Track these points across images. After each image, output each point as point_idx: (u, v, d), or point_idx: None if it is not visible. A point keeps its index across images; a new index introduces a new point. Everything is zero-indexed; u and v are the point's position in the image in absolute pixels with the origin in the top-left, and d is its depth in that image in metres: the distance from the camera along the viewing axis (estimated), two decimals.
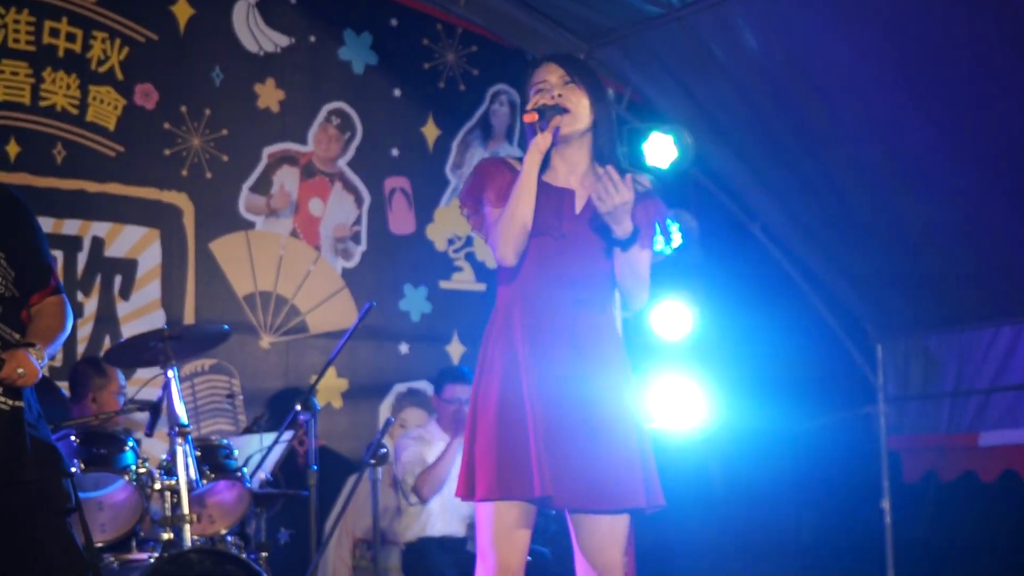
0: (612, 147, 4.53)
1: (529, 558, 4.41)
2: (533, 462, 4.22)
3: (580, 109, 4.44)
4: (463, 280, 9.28)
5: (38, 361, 4.52)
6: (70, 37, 7.98)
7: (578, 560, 4.44)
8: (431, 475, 7.78)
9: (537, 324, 4.37)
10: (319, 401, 7.32)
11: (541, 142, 4.36)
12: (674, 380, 9.22)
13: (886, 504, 9.41)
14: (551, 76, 4.48)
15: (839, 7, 7.92)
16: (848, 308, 9.57)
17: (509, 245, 4.34)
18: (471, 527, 7.84)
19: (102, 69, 8.08)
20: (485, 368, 4.41)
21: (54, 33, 7.95)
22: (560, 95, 4.43)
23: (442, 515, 7.85)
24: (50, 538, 4.51)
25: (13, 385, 4.45)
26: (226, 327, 7.02)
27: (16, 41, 7.84)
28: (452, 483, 7.64)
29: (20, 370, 4.43)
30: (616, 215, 4.29)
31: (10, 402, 4.52)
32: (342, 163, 8.92)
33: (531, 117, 4.37)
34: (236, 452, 6.89)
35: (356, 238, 8.91)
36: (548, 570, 7.85)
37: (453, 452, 7.70)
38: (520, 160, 4.44)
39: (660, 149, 9.29)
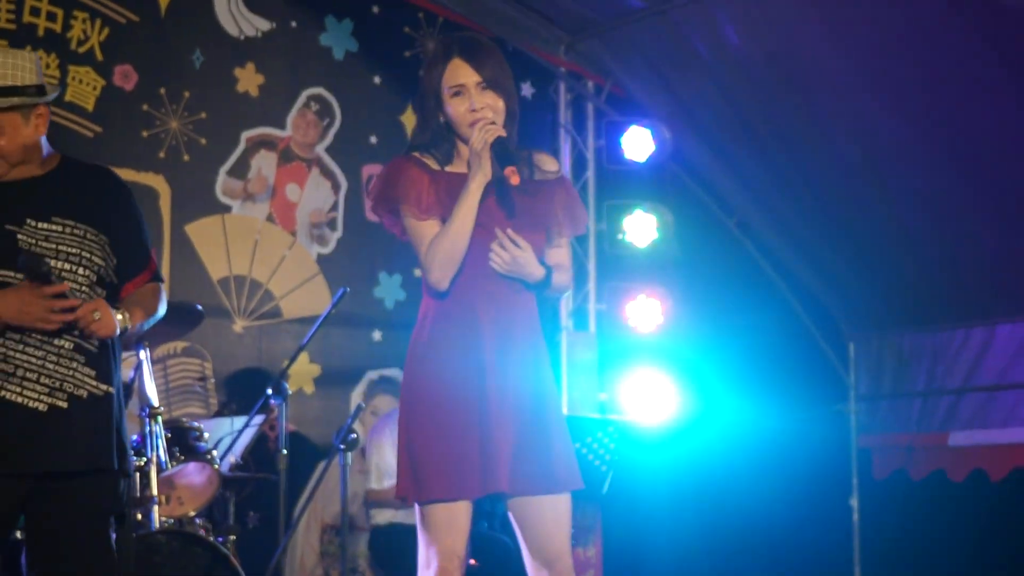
0: (515, 142, 4.45)
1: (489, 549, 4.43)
2: (488, 457, 4.26)
3: (498, 117, 4.38)
4: None
5: (118, 319, 4.47)
6: (51, 16, 7.95)
7: (528, 556, 4.44)
8: (391, 496, 7.81)
9: (470, 317, 4.35)
10: (291, 386, 7.33)
11: (486, 176, 4.31)
12: (647, 373, 9.25)
13: (854, 501, 9.48)
14: (467, 80, 4.37)
15: (822, 6, 7.95)
16: (822, 305, 9.62)
17: (447, 276, 4.32)
18: None
19: (82, 49, 8.06)
20: (419, 366, 4.39)
21: (35, 12, 7.93)
22: (483, 106, 4.35)
23: None
24: (95, 538, 4.47)
25: (87, 329, 4.36)
26: (199, 307, 7.01)
27: None
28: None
29: (96, 314, 4.36)
30: (518, 273, 4.35)
31: (103, 387, 4.48)
32: (320, 149, 8.92)
33: (516, 179, 4.28)
34: (207, 435, 6.89)
35: (332, 224, 8.91)
36: (512, 558, 7.86)
37: None
38: (431, 157, 4.42)
39: (638, 143, 9.34)
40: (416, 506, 4.35)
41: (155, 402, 6.33)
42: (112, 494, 4.52)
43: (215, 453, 6.84)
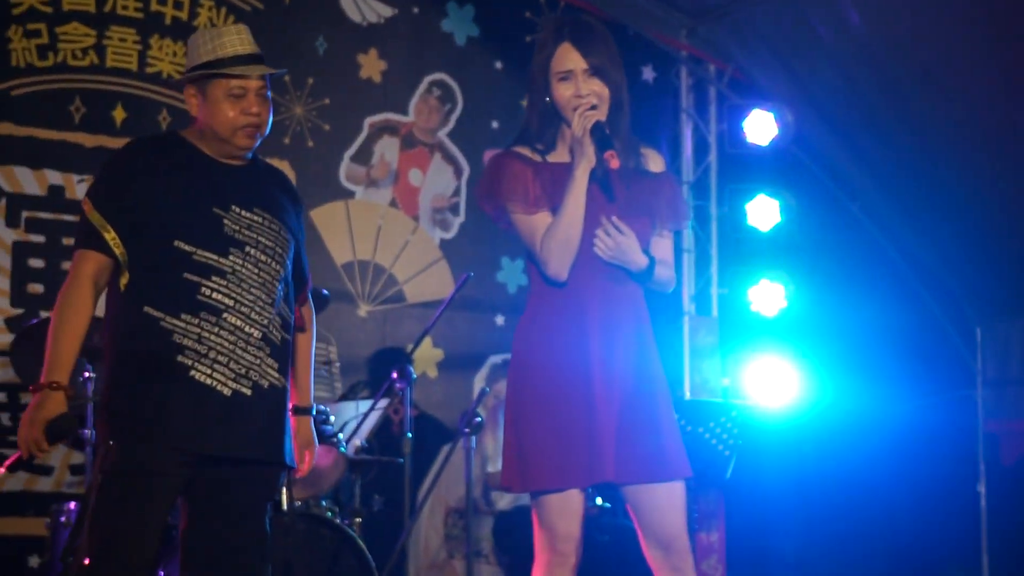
0: (625, 130, 4.47)
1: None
2: (595, 446, 4.27)
3: (603, 104, 4.37)
4: None
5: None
6: (177, 5, 8.05)
7: (645, 540, 4.42)
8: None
9: (576, 306, 4.36)
10: (415, 370, 7.36)
11: (591, 162, 4.29)
12: (770, 358, 9.20)
13: (982, 487, 9.36)
14: (575, 66, 4.36)
15: None
16: (948, 290, 9.50)
17: (565, 265, 4.31)
18: None
19: None
20: (527, 356, 4.39)
21: (162, 1, 8.03)
22: (588, 93, 4.34)
23: None
24: (256, 526, 4.49)
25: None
26: (325, 292, 7.07)
27: (125, 8, 7.93)
28: None
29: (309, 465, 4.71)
30: (622, 259, 4.36)
31: (283, 380, 4.52)
32: (442, 134, 8.96)
33: (615, 162, 4.26)
34: (332, 418, 6.94)
35: (454, 209, 8.95)
36: (608, 557, 7.86)
37: None
38: (531, 149, 4.43)
39: (760, 127, 9.28)
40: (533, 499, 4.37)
41: None
42: (275, 485, 4.59)
43: (341, 436, 6.89)
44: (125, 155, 4.52)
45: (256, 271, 4.45)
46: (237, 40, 4.52)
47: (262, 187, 4.61)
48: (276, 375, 4.47)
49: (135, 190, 4.38)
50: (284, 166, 8.33)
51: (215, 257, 4.38)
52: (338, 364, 8.42)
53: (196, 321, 4.33)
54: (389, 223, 8.72)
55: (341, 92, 8.62)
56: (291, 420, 4.60)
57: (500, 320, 9.02)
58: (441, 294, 8.49)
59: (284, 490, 5.74)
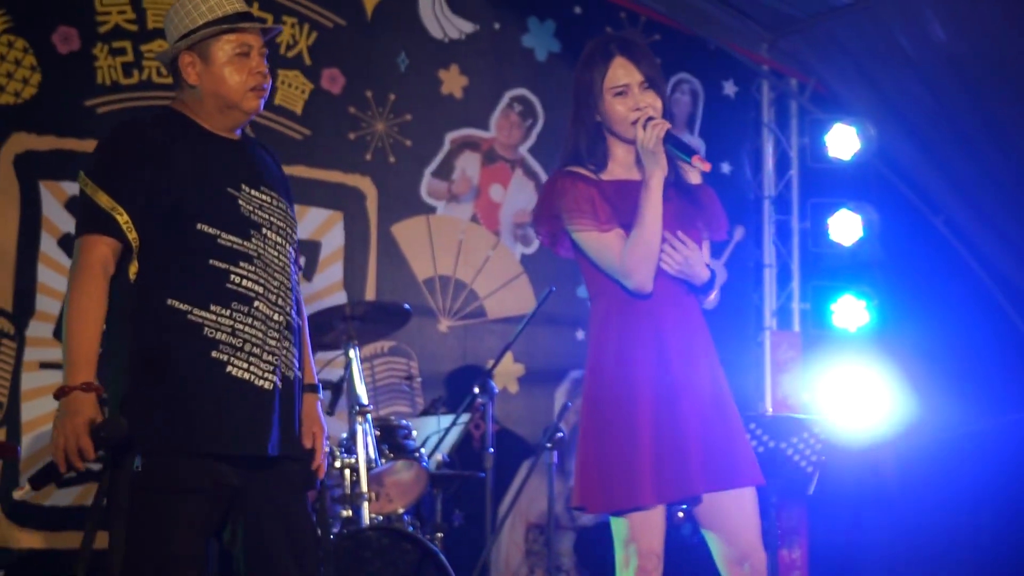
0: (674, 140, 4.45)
1: None
2: (681, 460, 4.26)
3: (658, 116, 4.36)
4: None
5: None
6: (260, 21, 8.09)
7: (722, 553, 4.40)
8: None
9: (649, 321, 4.35)
10: (496, 385, 7.37)
11: (664, 171, 4.29)
12: (852, 373, 9.14)
13: None
14: (631, 80, 4.37)
15: None
16: None
17: (649, 277, 4.30)
18: None
19: (290, 54, 8.21)
20: (604, 373, 4.37)
21: None
22: (646, 106, 4.35)
23: None
24: (304, 520, 4.24)
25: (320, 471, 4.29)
26: (407, 307, 7.08)
27: None
28: None
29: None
30: (688, 273, 4.36)
31: (299, 370, 4.30)
32: (523, 150, 8.97)
33: (706, 165, 4.29)
34: (414, 433, 6.96)
35: None
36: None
37: None
38: (586, 169, 4.42)
39: (843, 140, 9.24)
40: (612, 518, 4.36)
41: (364, 400, 6.43)
42: (312, 480, 4.33)
43: (423, 451, 6.90)
44: (129, 132, 4.18)
45: (276, 254, 4.22)
46: None
47: (262, 163, 4.37)
48: (297, 365, 4.27)
49: (147, 169, 4.07)
50: (366, 182, 8.38)
51: (239, 240, 4.12)
52: (419, 379, 8.44)
53: (228, 312, 4.06)
54: (470, 238, 8.74)
55: (422, 108, 8.64)
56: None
57: (581, 335, 9.01)
58: (522, 309, 8.50)
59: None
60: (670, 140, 4.28)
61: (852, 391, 9.13)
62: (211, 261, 4.08)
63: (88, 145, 7.51)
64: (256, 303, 4.12)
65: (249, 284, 4.12)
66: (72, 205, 7.53)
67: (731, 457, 4.33)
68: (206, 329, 4.04)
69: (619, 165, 4.46)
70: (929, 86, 8.59)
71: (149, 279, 4.07)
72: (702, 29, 9.31)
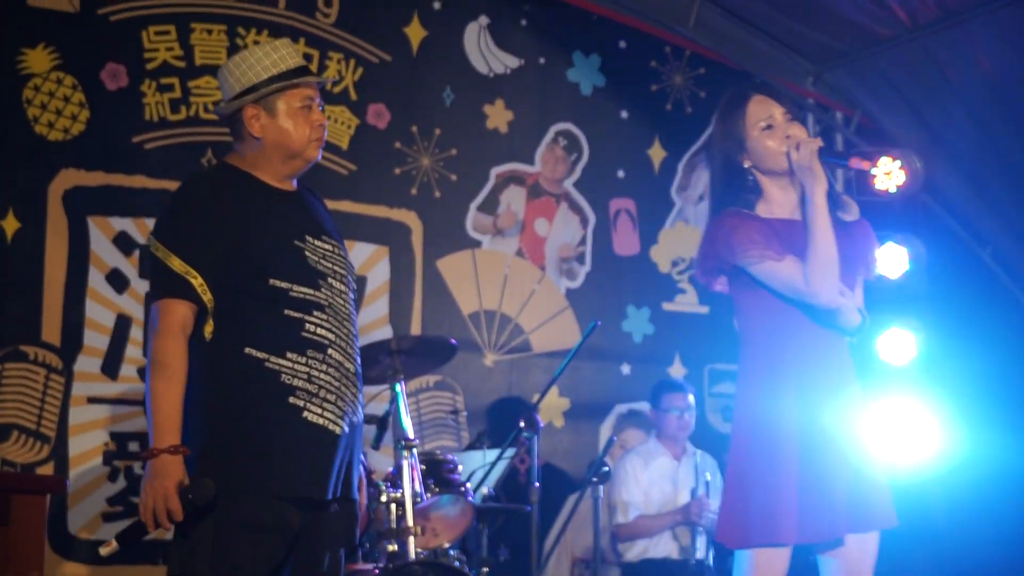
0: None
1: None
2: (835, 503, 4.29)
3: None
4: (686, 302, 9.27)
5: None
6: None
7: None
8: (640, 527, 7.82)
9: (808, 357, 4.39)
10: (541, 419, 7.36)
11: (825, 184, 4.37)
12: (901, 406, 9.08)
13: None
14: (774, 112, 4.46)
15: None
16: None
17: (834, 289, 4.34)
18: (688, 548, 7.86)
19: (337, 89, 8.24)
20: (759, 410, 4.39)
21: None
22: (792, 135, 4.43)
23: (666, 537, 7.83)
24: (341, 568, 4.38)
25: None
26: (453, 342, 7.09)
27: None
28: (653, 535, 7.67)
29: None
30: (839, 320, 4.41)
31: (359, 417, 4.42)
32: (568, 184, 8.98)
33: (866, 163, 4.51)
34: (460, 467, 6.96)
35: (581, 258, 8.96)
36: None
37: (669, 521, 7.75)
38: (743, 210, 4.46)
39: (889, 173, 9.18)
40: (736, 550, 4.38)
41: (410, 435, 6.43)
42: (355, 523, 4.46)
43: (469, 486, 6.90)
44: (194, 194, 4.33)
45: (342, 302, 4.36)
46: (294, 51, 4.43)
47: (319, 212, 4.50)
48: (361, 411, 4.40)
49: (215, 230, 4.20)
50: (411, 216, 8.41)
51: (310, 291, 4.25)
52: (465, 413, 8.45)
53: (304, 359, 4.19)
54: (515, 272, 8.75)
55: (468, 142, 8.67)
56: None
57: (626, 369, 9.00)
58: (567, 343, 8.50)
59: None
60: (825, 154, 4.37)
61: (901, 425, 9.08)
62: (286, 311, 4.21)
63: (136, 181, 7.59)
64: (329, 350, 4.25)
65: (323, 332, 4.26)
66: (120, 240, 7.59)
67: (873, 498, 4.39)
68: (283, 376, 4.18)
69: (774, 204, 4.51)
70: (975, 118, 8.56)
71: (224, 334, 4.20)
72: (747, 63, 9.31)
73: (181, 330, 4.16)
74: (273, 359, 4.17)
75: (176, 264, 4.17)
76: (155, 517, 4.04)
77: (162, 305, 4.18)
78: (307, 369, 4.20)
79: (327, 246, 4.38)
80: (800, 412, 4.33)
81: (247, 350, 4.17)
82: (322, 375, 4.22)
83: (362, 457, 6.42)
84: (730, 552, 4.51)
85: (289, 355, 4.18)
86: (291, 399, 4.17)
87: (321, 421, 4.20)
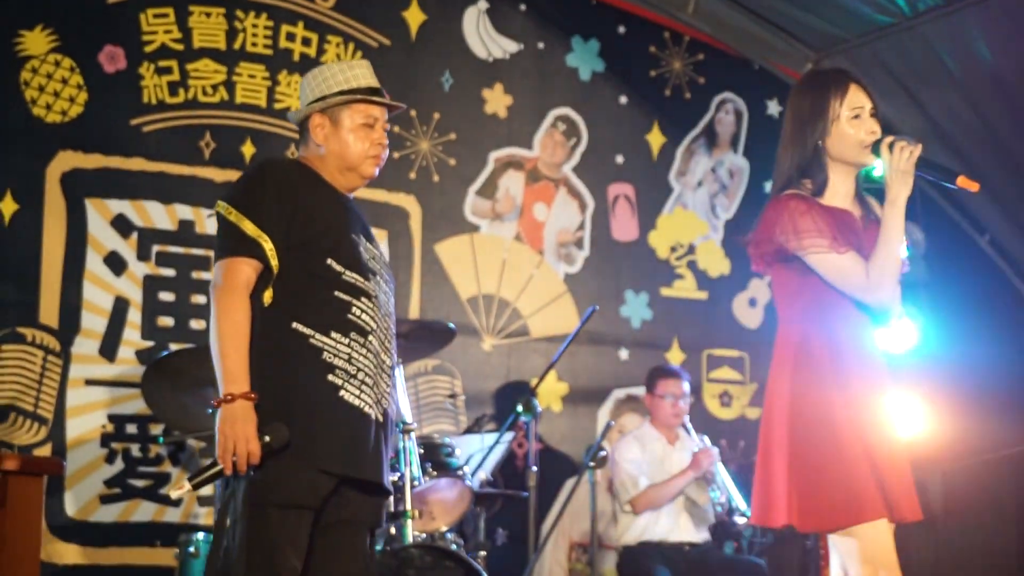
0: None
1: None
2: (892, 481, 4.33)
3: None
4: (684, 288, 9.27)
5: None
6: (305, 41, 8.15)
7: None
8: (652, 495, 7.78)
9: (863, 346, 4.44)
10: (539, 404, 7.36)
11: (909, 192, 4.41)
12: (899, 395, 9.07)
13: None
14: (866, 104, 4.50)
15: None
16: None
17: (893, 292, 4.41)
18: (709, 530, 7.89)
19: None
20: (812, 390, 4.40)
21: (290, 37, 8.14)
22: (875, 131, 4.49)
23: (662, 520, 7.84)
24: (363, 550, 4.48)
25: None
26: (451, 325, 7.10)
27: (254, 45, 8.04)
28: (667, 503, 7.68)
29: None
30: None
31: (392, 408, 4.54)
32: (567, 169, 8.98)
33: (975, 186, 4.39)
34: (458, 451, 6.96)
35: (579, 243, 8.96)
36: None
37: (681, 481, 7.73)
38: (806, 195, 4.48)
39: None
40: (836, 536, 4.39)
41: (408, 418, 6.44)
42: (381, 512, 4.56)
43: (467, 469, 6.90)
44: (271, 170, 4.52)
45: (386, 299, 4.53)
46: (370, 73, 4.64)
47: (366, 223, 4.68)
48: (395, 405, 4.55)
49: (287, 205, 4.38)
50: (410, 200, 8.41)
51: (361, 279, 4.43)
52: (463, 397, 8.45)
53: (346, 341, 4.34)
54: (514, 257, 8.75)
55: (466, 127, 8.67)
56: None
57: (624, 354, 9.00)
58: (565, 328, 8.50)
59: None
60: (924, 164, 4.40)
61: (899, 413, 9.07)
62: (336, 293, 4.39)
63: (134, 163, 7.60)
64: (371, 337, 4.41)
65: (367, 319, 4.41)
66: (118, 223, 7.59)
67: (910, 488, 4.43)
68: (325, 353, 4.32)
69: (833, 192, 4.52)
70: (973, 105, 8.55)
71: (279, 305, 4.36)
72: (746, 49, 9.31)
73: (246, 287, 4.32)
74: (318, 336, 4.32)
75: (248, 227, 4.34)
76: (234, 460, 4.18)
77: (229, 263, 4.35)
78: (348, 351, 4.34)
79: (375, 251, 4.59)
80: (861, 395, 4.37)
81: (294, 325, 4.32)
82: (362, 358, 4.36)
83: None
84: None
85: (333, 334, 4.34)
86: (330, 376, 4.31)
87: (357, 402, 4.33)
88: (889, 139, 4.41)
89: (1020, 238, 9.22)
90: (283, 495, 4.23)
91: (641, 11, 9.18)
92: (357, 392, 4.33)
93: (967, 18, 8.07)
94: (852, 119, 4.46)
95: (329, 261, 4.38)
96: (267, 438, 4.18)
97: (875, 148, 4.42)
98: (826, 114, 4.48)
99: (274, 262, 4.34)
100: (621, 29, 9.20)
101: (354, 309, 4.38)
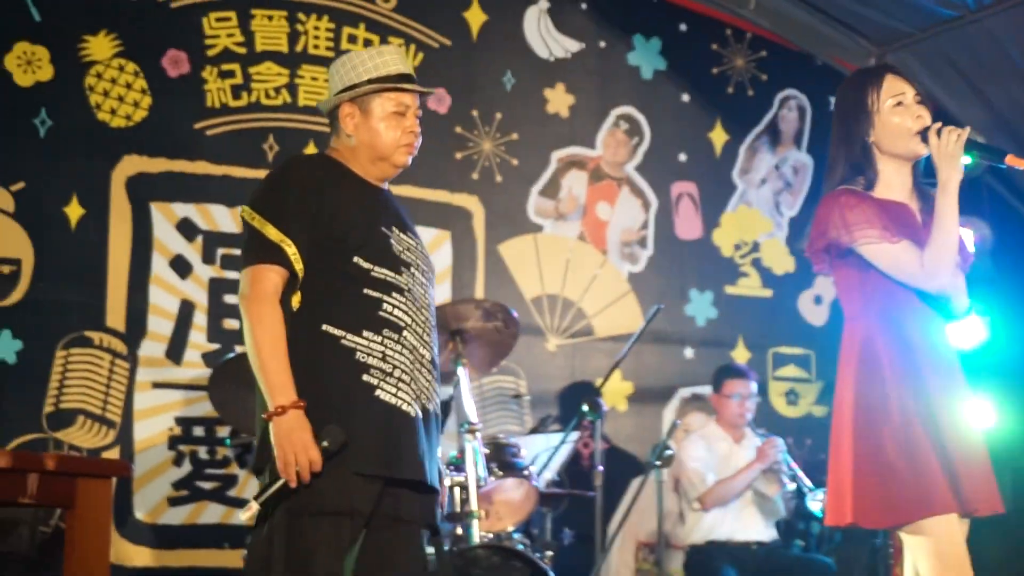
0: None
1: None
2: (961, 474, 4.27)
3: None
4: (749, 286, 9.23)
5: None
6: (367, 43, 8.15)
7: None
8: (721, 490, 7.75)
9: (928, 341, 4.39)
10: (604, 403, 7.34)
11: (961, 176, 4.38)
12: (968, 390, 9.01)
13: None
14: (907, 90, 4.46)
15: None
16: None
17: (950, 277, 4.38)
18: (775, 529, 7.85)
19: None
20: (876, 385, 4.35)
21: (352, 39, 8.15)
22: (921, 116, 4.44)
23: (729, 519, 7.81)
24: (417, 551, 4.36)
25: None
26: (512, 312, 7.09)
27: (316, 47, 8.06)
28: (736, 498, 7.65)
29: None
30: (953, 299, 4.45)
31: (435, 404, 4.42)
32: (630, 168, 8.96)
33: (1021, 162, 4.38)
34: (523, 451, 6.95)
35: (643, 242, 8.93)
36: None
37: (749, 474, 7.70)
38: (858, 190, 4.45)
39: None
40: (907, 534, 4.33)
41: (474, 418, 6.45)
42: (435, 511, 4.44)
43: (532, 469, 6.89)
44: (294, 171, 4.43)
45: (422, 292, 4.42)
46: (399, 59, 4.54)
47: (403, 212, 4.59)
48: (438, 400, 4.42)
49: (311, 206, 4.29)
50: (473, 201, 8.41)
51: (392, 274, 4.32)
52: (528, 397, 8.44)
53: (379, 339, 4.25)
54: (577, 257, 8.73)
55: (529, 127, 8.66)
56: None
57: (689, 353, 8.97)
58: (629, 327, 8.48)
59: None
60: (973, 146, 4.37)
61: (969, 408, 9.00)
62: (365, 291, 4.28)
63: (198, 167, 7.63)
64: (405, 332, 4.31)
65: (399, 314, 4.31)
66: (183, 226, 7.62)
67: (984, 481, 4.35)
68: (358, 354, 4.23)
69: (886, 186, 4.50)
70: None
71: (307, 308, 4.27)
72: (809, 45, 9.26)
73: (275, 294, 4.24)
74: (350, 337, 4.23)
75: (272, 232, 4.25)
76: (298, 471, 4.09)
77: (255, 271, 4.26)
78: (382, 348, 4.25)
79: (411, 241, 4.47)
80: (928, 389, 4.31)
81: (325, 327, 4.23)
82: (397, 355, 4.27)
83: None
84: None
85: (365, 333, 4.24)
86: (364, 377, 4.21)
87: (394, 401, 4.23)
88: (937, 125, 4.37)
89: None
90: (317, 502, 4.13)
91: (703, 8, 9.16)
92: (394, 391, 4.23)
93: None
94: (895, 107, 4.43)
95: (356, 259, 4.28)
96: (325, 443, 4.09)
97: (924, 136, 4.39)
98: (866, 107, 4.45)
99: (298, 266, 4.25)
100: (683, 27, 9.18)
101: (385, 306, 4.28)
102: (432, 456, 4.37)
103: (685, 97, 9.18)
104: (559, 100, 8.77)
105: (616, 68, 8.99)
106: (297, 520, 4.13)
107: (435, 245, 8.26)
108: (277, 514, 4.15)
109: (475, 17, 8.53)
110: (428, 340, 4.40)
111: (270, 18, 7.97)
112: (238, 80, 7.86)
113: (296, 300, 4.27)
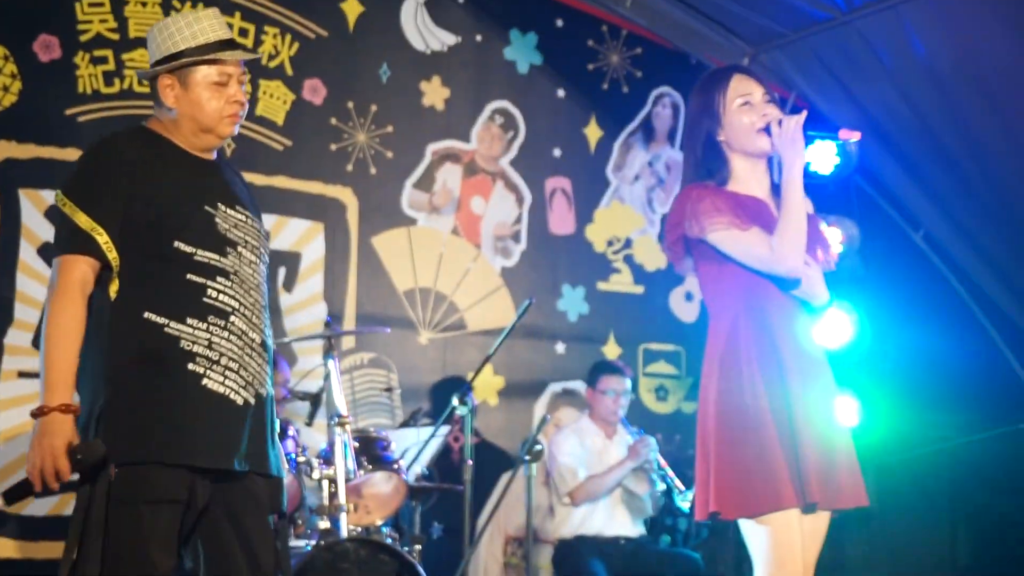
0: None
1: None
2: (805, 469, 4.27)
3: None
4: (621, 282, 9.29)
5: None
6: (242, 32, 8.10)
7: None
8: (591, 486, 7.80)
9: (789, 332, 4.40)
10: (475, 397, 7.36)
11: (804, 160, 4.43)
12: (832, 386, 9.12)
13: None
14: (754, 90, 4.51)
15: (1011, 12, 7.79)
16: (1011, 320, 9.41)
17: (800, 260, 4.38)
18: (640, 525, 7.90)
19: (272, 64, 8.20)
20: (736, 381, 4.37)
21: (230, 28, 8.07)
22: (768, 114, 4.47)
23: (598, 515, 7.86)
24: (266, 538, 4.19)
25: None
26: (387, 329, 7.08)
27: None
28: (606, 494, 7.70)
29: None
30: (809, 292, 4.46)
31: (267, 388, 4.24)
32: (504, 162, 8.97)
33: (856, 135, 4.48)
34: (393, 445, 6.95)
35: (516, 237, 8.95)
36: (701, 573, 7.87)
37: (620, 471, 7.76)
38: (711, 183, 4.50)
39: (823, 155, 9.21)
40: (749, 523, 4.34)
41: (344, 412, 6.42)
42: (279, 498, 4.27)
43: (402, 463, 6.89)
44: (106, 151, 4.17)
45: (251, 272, 4.23)
46: (217, 24, 4.28)
47: (237, 184, 4.40)
48: (269, 384, 4.25)
49: (125, 188, 4.06)
50: (347, 193, 8.38)
51: (216, 257, 4.13)
52: (399, 391, 8.43)
53: (204, 326, 4.06)
54: (451, 250, 8.73)
55: (404, 119, 8.65)
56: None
57: (560, 348, 9.01)
58: (502, 322, 8.49)
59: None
60: (809, 128, 4.42)
61: (833, 403, 9.11)
62: (188, 276, 4.09)
63: (69, 154, 7.51)
64: (232, 318, 4.13)
65: (225, 299, 4.12)
66: (52, 214, 7.51)
67: (847, 475, 4.38)
68: (183, 342, 4.04)
69: (741, 183, 4.53)
70: (907, 99, 8.60)
71: (127, 296, 4.06)
72: (684, 43, 9.33)
73: (80, 288, 4.03)
74: (173, 324, 4.04)
75: (82, 220, 4.05)
76: (43, 477, 3.90)
77: (63, 261, 4.05)
78: (208, 336, 4.07)
79: (240, 216, 4.27)
80: (788, 384, 4.33)
81: (147, 315, 4.04)
82: (224, 343, 4.10)
83: (294, 433, 6.39)
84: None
85: (190, 321, 4.06)
86: (190, 366, 4.04)
87: (222, 390, 4.07)
88: (778, 117, 4.43)
89: (954, 233, 9.28)
90: (154, 491, 3.95)
91: (579, 5, 9.20)
92: (221, 379, 4.06)
93: (902, 13, 8.11)
94: (741, 107, 4.48)
95: (177, 243, 4.08)
96: (79, 456, 3.88)
97: (767, 131, 4.45)
98: (712, 109, 4.51)
99: (112, 255, 4.04)
100: (559, 22, 9.21)
101: (210, 291, 4.10)
102: (272, 441, 4.24)
103: (560, 92, 9.21)
104: (435, 93, 8.76)
105: (492, 62, 9.00)
106: (133, 509, 3.94)
107: (309, 237, 8.22)
108: (95, 499, 3.92)
109: (352, 8, 8.50)
110: (258, 323, 4.21)
111: (144, 4, 7.87)
112: (111, 67, 7.76)
113: (114, 288, 4.07)
